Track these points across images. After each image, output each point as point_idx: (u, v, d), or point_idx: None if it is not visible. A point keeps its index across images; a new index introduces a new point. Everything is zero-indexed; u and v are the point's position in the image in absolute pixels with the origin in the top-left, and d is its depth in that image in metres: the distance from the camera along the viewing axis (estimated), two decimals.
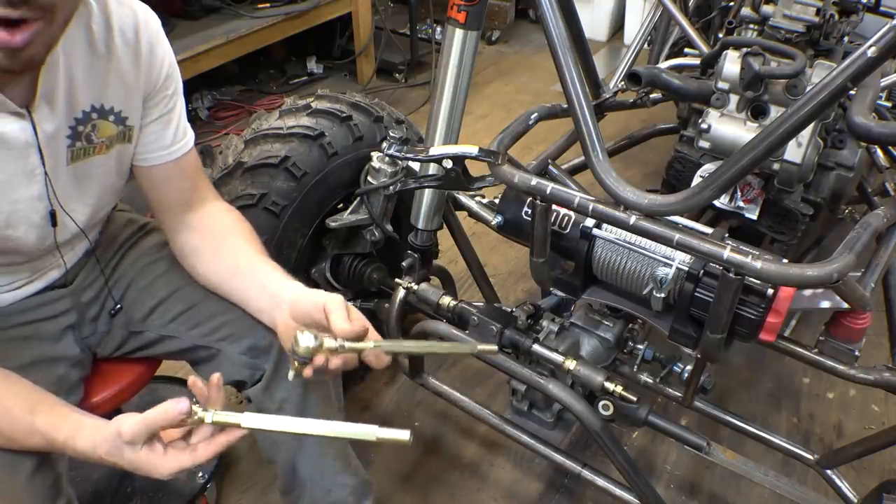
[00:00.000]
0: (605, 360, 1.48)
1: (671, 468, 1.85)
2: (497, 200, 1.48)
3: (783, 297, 1.14)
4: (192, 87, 3.37)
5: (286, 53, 3.85)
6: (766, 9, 1.77)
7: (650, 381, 1.51)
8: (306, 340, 0.97)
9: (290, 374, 1.00)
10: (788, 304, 1.14)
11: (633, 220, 1.13)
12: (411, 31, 3.81)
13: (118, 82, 1.07)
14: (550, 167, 1.72)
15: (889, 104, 1.80)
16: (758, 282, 1.13)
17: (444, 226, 1.64)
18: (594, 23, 4.38)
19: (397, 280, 1.56)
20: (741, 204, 1.55)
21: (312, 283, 1.72)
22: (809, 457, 1.47)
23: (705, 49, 1.92)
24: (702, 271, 1.20)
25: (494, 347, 1.13)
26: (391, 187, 1.50)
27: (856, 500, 1.41)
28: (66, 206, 1.09)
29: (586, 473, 1.46)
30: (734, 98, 1.52)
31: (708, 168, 1.56)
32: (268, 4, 3.21)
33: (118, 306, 1.27)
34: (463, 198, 1.62)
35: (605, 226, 1.30)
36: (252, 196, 1.49)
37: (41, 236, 1.09)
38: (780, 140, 1.02)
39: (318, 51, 3.89)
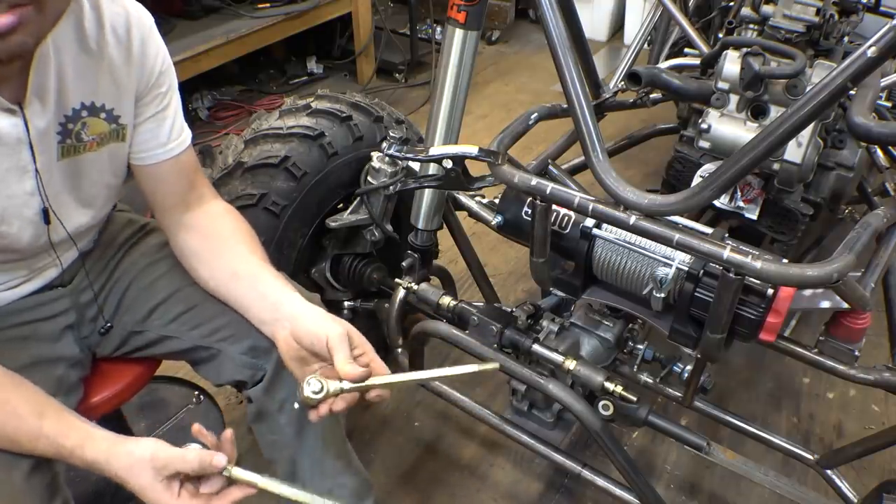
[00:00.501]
0: (605, 360, 1.48)
1: (671, 468, 1.85)
2: (497, 200, 1.48)
3: (783, 297, 1.14)
4: (192, 87, 3.37)
5: (286, 53, 3.85)
6: (766, 9, 1.77)
7: (650, 381, 1.51)
8: (312, 389, 0.99)
9: (297, 405, 1.03)
10: (788, 304, 1.14)
11: (633, 220, 1.13)
12: (411, 31, 3.81)
13: (110, 80, 1.07)
14: (550, 167, 1.72)
15: (889, 104, 1.80)
16: (758, 282, 1.13)
17: (444, 226, 1.64)
18: (594, 23, 4.38)
19: (397, 280, 1.56)
20: (741, 204, 1.55)
21: (312, 282, 1.72)
22: (809, 457, 1.47)
23: (705, 49, 1.92)
24: (702, 271, 1.20)
25: (496, 365, 1.15)
26: (391, 187, 1.50)
27: (856, 500, 1.41)
28: (60, 202, 1.09)
29: (586, 473, 1.46)
30: (734, 98, 1.52)
31: (708, 168, 1.56)
32: (268, 4, 3.21)
33: (108, 324, 1.27)
34: (463, 198, 1.62)
35: (605, 226, 1.29)
36: (252, 196, 1.49)
37: (36, 233, 1.09)
38: (780, 140, 1.02)
39: (318, 51, 3.89)
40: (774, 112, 1.49)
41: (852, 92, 1.05)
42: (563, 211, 1.32)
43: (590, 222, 1.30)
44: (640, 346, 1.49)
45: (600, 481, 1.45)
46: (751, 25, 1.83)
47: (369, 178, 1.55)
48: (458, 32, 1.38)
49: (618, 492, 1.43)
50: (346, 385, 1.00)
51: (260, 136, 1.56)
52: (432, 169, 1.41)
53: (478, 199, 1.62)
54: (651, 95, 1.99)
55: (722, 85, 1.52)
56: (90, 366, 1.28)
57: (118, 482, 0.95)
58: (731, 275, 1.07)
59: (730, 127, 1.52)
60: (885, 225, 1.39)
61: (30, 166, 1.02)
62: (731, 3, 2.15)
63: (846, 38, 1.85)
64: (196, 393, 1.84)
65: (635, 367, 1.51)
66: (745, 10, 1.83)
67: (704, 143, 1.55)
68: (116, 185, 1.20)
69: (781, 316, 1.15)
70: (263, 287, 1.15)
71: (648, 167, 2.96)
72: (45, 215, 1.08)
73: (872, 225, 1.32)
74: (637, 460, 1.83)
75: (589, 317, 1.50)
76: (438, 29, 3.85)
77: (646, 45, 2.38)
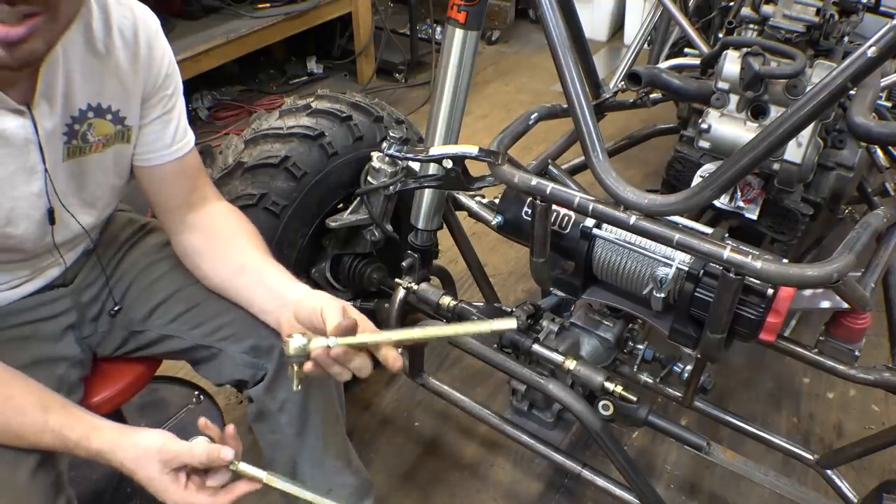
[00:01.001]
0: (605, 360, 1.48)
1: (671, 468, 1.85)
2: (497, 200, 1.48)
3: (783, 297, 1.14)
4: (192, 87, 3.37)
5: (286, 53, 3.85)
6: (766, 9, 1.77)
7: (650, 381, 1.51)
8: (296, 341, 0.97)
9: (294, 384, 1.00)
10: (788, 304, 1.14)
11: (633, 220, 1.13)
12: (411, 31, 3.81)
13: (116, 82, 1.07)
14: (550, 167, 1.72)
15: (889, 104, 1.80)
16: (758, 282, 1.13)
17: (444, 226, 1.64)
18: (594, 23, 4.38)
19: (397, 280, 1.56)
20: (741, 204, 1.55)
21: (312, 283, 1.72)
22: (809, 457, 1.47)
23: (705, 49, 1.92)
24: (702, 271, 1.20)
25: (513, 323, 1.01)
26: (391, 187, 1.50)
27: (856, 500, 1.41)
28: (65, 203, 1.10)
29: (586, 473, 1.46)
30: (734, 98, 1.52)
31: (708, 168, 1.56)
32: (268, 4, 3.21)
33: (118, 307, 1.27)
34: (463, 198, 1.62)
35: (605, 226, 1.30)
36: (252, 196, 1.49)
37: (41, 234, 1.09)
38: (780, 140, 1.02)
39: (318, 51, 3.89)
40: (774, 112, 1.49)
41: (852, 92, 1.05)
42: (563, 211, 1.32)
43: (590, 222, 1.30)
44: (640, 346, 1.49)
45: (600, 481, 1.45)
46: (751, 25, 1.83)
47: (369, 178, 1.55)
48: (458, 32, 1.38)
49: (618, 492, 1.43)
50: (333, 341, 0.97)
51: (260, 136, 1.56)
52: (432, 169, 1.41)
53: (478, 199, 1.62)
54: (651, 95, 1.99)
55: (722, 85, 1.52)
56: (91, 365, 1.28)
57: (124, 472, 0.96)
58: (731, 275, 1.07)
59: (730, 127, 1.52)
60: (885, 225, 1.39)
61: (38, 167, 1.03)
62: (731, 3, 2.15)
63: (846, 38, 1.85)
64: (196, 393, 1.84)
65: (635, 367, 1.51)
66: (745, 10, 1.83)
67: (704, 143, 1.55)
68: (120, 187, 1.20)
69: (781, 316, 1.15)
70: (269, 279, 1.15)
71: (648, 167, 2.96)
72: (51, 216, 1.08)
73: (872, 225, 1.32)
74: (637, 460, 1.84)
75: (589, 317, 1.50)
76: (438, 29, 3.85)
77: (646, 45, 2.38)
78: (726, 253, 1.06)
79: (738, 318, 1.17)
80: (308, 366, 0.99)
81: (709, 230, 1.19)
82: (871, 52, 0.89)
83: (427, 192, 1.53)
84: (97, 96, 1.06)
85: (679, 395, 1.49)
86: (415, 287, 1.53)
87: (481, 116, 3.52)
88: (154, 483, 0.94)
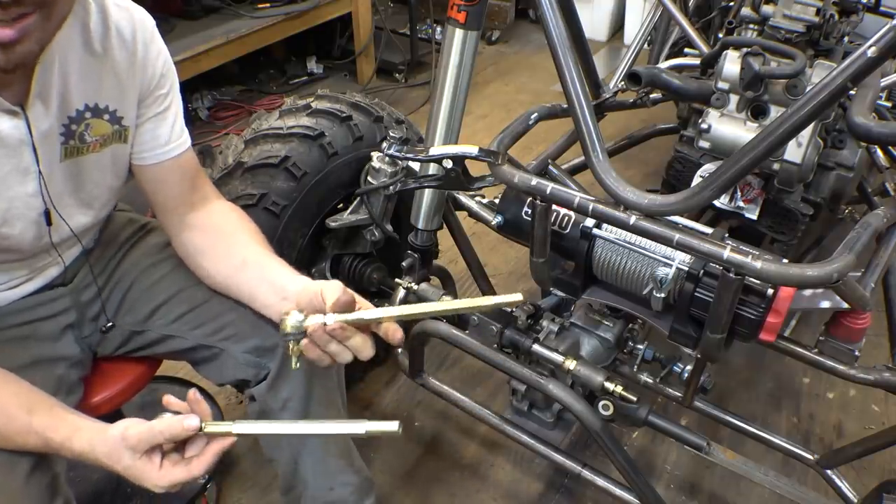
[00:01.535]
0: (605, 360, 1.48)
1: (671, 468, 1.85)
2: (497, 200, 1.48)
3: (783, 297, 1.14)
4: (192, 87, 3.38)
5: (286, 53, 3.85)
6: (766, 9, 1.77)
7: (650, 381, 1.51)
8: (292, 317, 0.96)
9: (293, 363, 0.99)
10: (788, 304, 1.14)
11: (633, 220, 1.13)
12: (411, 31, 3.81)
13: (114, 82, 1.08)
14: (550, 167, 1.72)
15: (889, 104, 1.80)
16: (758, 282, 1.13)
17: (444, 226, 1.64)
18: (594, 23, 4.38)
19: (397, 280, 1.56)
20: (741, 204, 1.55)
21: None
22: (809, 457, 1.47)
23: (705, 49, 1.92)
24: (702, 271, 1.20)
25: (518, 297, 0.98)
26: (391, 187, 1.50)
27: (856, 500, 1.41)
28: (62, 203, 1.10)
29: (586, 473, 1.46)
30: (734, 98, 1.52)
31: (708, 168, 1.56)
32: (268, 4, 3.21)
33: (110, 324, 1.27)
34: (463, 198, 1.62)
35: (605, 226, 1.30)
36: (252, 196, 1.49)
37: (38, 234, 1.09)
38: (780, 140, 1.02)
39: (318, 51, 3.89)
40: (774, 112, 1.49)
41: (852, 92, 1.05)
42: (563, 211, 1.32)
43: (590, 222, 1.30)
44: (640, 346, 1.49)
45: (600, 481, 1.45)
46: (751, 25, 1.83)
47: (369, 178, 1.55)
48: (458, 32, 1.38)
49: (618, 492, 1.43)
50: (330, 318, 0.96)
51: (260, 136, 1.56)
52: (432, 169, 1.41)
53: (478, 199, 1.62)
54: (651, 95, 1.99)
55: (722, 85, 1.52)
56: (91, 365, 1.28)
57: (108, 469, 0.95)
58: (731, 275, 1.07)
59: (730, 127, 1.52)
60: (885, 225, 1.39)
61: (32, 168, 1.03)
62: (731, 3, 2.15)
63: (846, 38, 1.85)
64: (190, 389, 1.84)
65: (635, 367, 1.51)
66: (745, 10, 1.83)
67: (704, 143, 1.55)
68: (118, 187, 1.20)
69: (781, 316, 1.15)
70: (271, 274, 1.15)
71: (648, 167, 2.96)
72: (47, 217, 1.08)
73: (872, 225, 1.32)
74: (637, 460, 1.84)
75: (589, 317, 1.50)
76: (438, 29, 3.85)
77: (646, 45, 2.38)
78: (726, 253, 1.06)
79: (738, 318, 1.17)
80: (305, 342, 0.97)
81: (709, 230, 1.19)
82: (871, 52, 0.89)
83: (427, 192, 1.53)
84: (94, 96, 1.06)
85: (679, 395, 1.49)
86: (415, 287, 1.53)
87: (481, 116, 3.52)
88: (131, 471, 0.93)
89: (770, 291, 1.15)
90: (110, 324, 1.27)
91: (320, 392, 1.26)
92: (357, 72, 3.78)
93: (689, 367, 1.42)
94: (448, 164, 1.32)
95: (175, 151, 1.19)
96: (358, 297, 1.02)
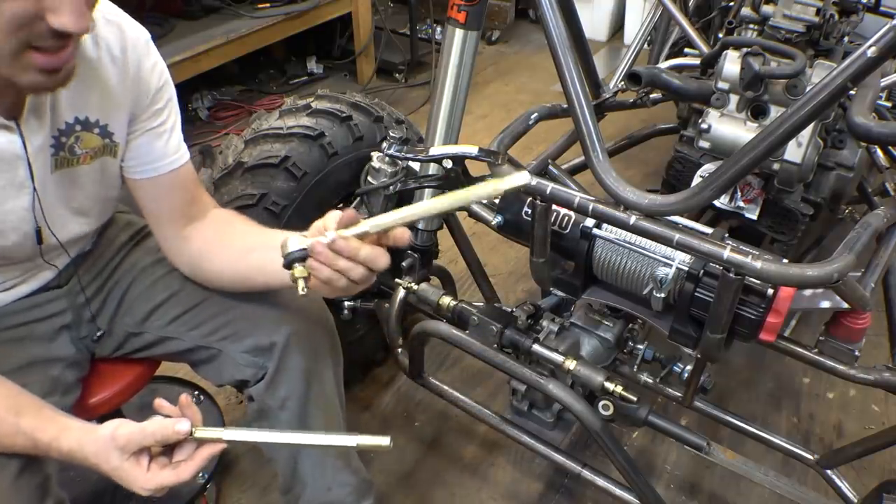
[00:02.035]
0: (605, 360, 1.48)
1: (671, 468, 1.85)
2: (497, 200, 1.48)
3: (783, 297, 1.14)
4: (192, 87, 3.37)
5: (286, 53, 3.85)
6: (766, 9, 1.76)
7: (650, 381, 1.51)
8: (292, 239, 0.92)
9: (300, 287, 0.91)
10: (788, 304, 1.14)
11: (633, 220, 1.13)
12: (411, 31, 3.81)
13: (104, 97, 1.07)
14: (550, 167, 1.72)
15: (889, 104, 1.80)
16: (758, 282, 1.13)
17: (444, 226, 1.64)
18: (594, 23, 4.38)
19: (397, 280, 1.56)
20: (741, 204, 1.55)
21: None
22: (809, 457, 1.47)
23: (705, 49, 1.92)
24: (702, 271, 1.20)
25: (525, 177, 0.90)
26: (391, 187, 1.50)
27: (856, 500, 1.41)
28: (55, 214, 1.09)
29: (586, 473, 1.46)
30: (734, 98, 1.52)
31: (708, 168, 1.56)
32: (268, 4, 3.21)
33: (100, 331, 1.26)
34: None
35: (605, 226, 1.29)
36: (252, 196, 1.49)
37: (31, 245, 1.10)
38: (780, 140, 1.02)
39: (318, 51, 3.89)
40: (774, 112, 1.49)
41: (852, 92, 1.05)
42: (563, 211, 1.32)
43: (590, 222, 1.30)
44: (640, 346, 1.49)
45: (600, 481, 1.45)
46: (751, 25, 1.83)
47: (369, 178, 1.55)
48: (458, 32, 1.38)
49: (618, 492, 1.43)
50: (331, 234, 0.91)
51: (260, 136, 1.56)
52: (432, 169, 1.41)
53: None
54: (651, 95, 1.99)
55: (722, 85, 1.52)
56: (88, 366, 1.28)
57: (95, 469, 0.95)
58: (731, 275, 1.07)
59: (730, 127, 1.52)
60: (885, 225, 1.39)
61: (27, 182, 1.03)
62: (731, 3, 2.15)
63: (846, 38, 1.85)
64: (196, 393, 1.84)
65: (635, 367, 1.51)
66: (745, 10, 1.83)
67: (704, 143, 1.55)
68: (112, 198, 1.20)
69: (781, 316, 1.15)
70: (277, 241, 1.11)
71: (648, 167, 2.95)
72: (38, 235, 1.08)
73: (872, 225, 1.32)
74: (637, 460, 1.84)
75: (589, 317, 1.50)
76: (438, 29, 3.85)
77: (646, 45, 2.38)
78: (726, 253, 1.06)
79: (738, 318, 1.17)
80: (311, 262, 0.92)
81: (709, 230, 1.19)
82: (871, 52, 0.89)
83: (427, 192, 1.53)
84: (84, 110, 1.06)
85: (679, 395, 1.49)
86: (415, 287, 1.52)
87: (481, 116, 3.52)
88: (118, 472, 0.93)
89: (770, 291, 1.15)
90: (100, 332, 1.27)
91: (318, 392, 1.26)
92: (357, 72, 3.78)
93: (689, 367, 1.42)
94: (448, 164, 1.32)
95: (172, 166, 1.17)
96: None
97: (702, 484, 1.81)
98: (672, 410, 1.95)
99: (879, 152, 1.77)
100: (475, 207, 1.60)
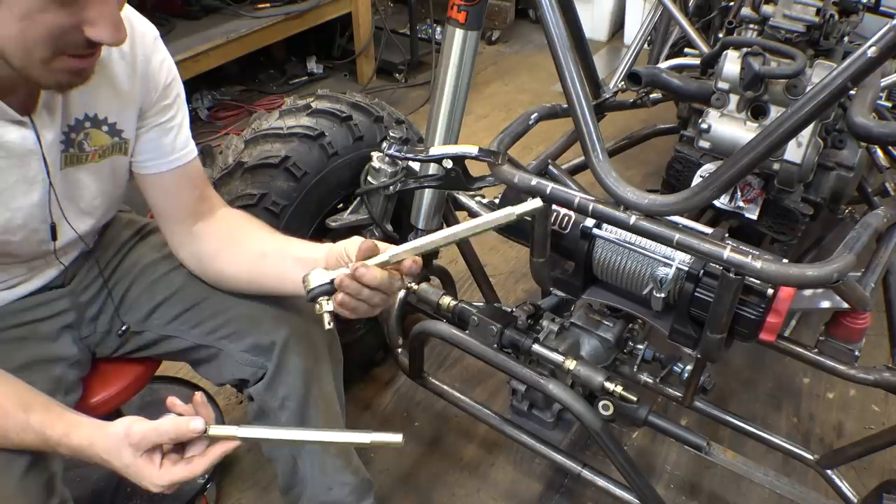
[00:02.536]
0: (605, 360, 1.48)
1: (671, 468, 1.85)
2: (497, 200, 1.48)
3: (783, 297, 1.14)
4: (192, 87, 3.37)
5: (286, 53, 3.85)
6: (766, 9, 1.77)
7: (650, 381, 1.51)
8: (315, 274, 0.96)
9: (326, 322, 0.96)
10: (788, 304, 1.14)
11: (633, 220, 1.13)
12: (411, 31, 3.81)
13: (112, 94, 1.07)
14: (550, 167, 1.72)
15: (889, 104, 1.80)
16: (758, 282, 1.13)
17: (444, 226, 1.63)
18: (594, 23, 4.38)
19: None
20: (741, 204, 1.55)
21: None
22: (809, 457, 1.47)
23: (705, 49, 1.92)
24: (702, 271, 1.20)
25: (538, 203, 0.96)
26: (391, 187, 1.50)
27: (856, 500, 1.41)
28: (62, 210, 1.09)
29: (586, 473, 1.46)
30: (734, 98, 1.52)
31: (708, 168, 1.56)
32: (268, 4, 3.21)
33: (125, 326, 1.26)
34: (463, 198, 1.62)
35: (605, 226, 1.30)
36: (252, 196, 1.49)
37: (39, 241, 1.10)
38: (780, 140, 1.02)
39: (318, 51, 3.89)
40: (774, 112, 1.49)
41: (852, 92, 1.05)
42: (563, 211, 1.32)
43: (590, 222, 1.30)
44: (640, 346, 1.49)
45: (600, 481, 1.45)
46: (751, 25, 1.83)
47: (369, 178, 1.55)
48: (458, 32, 1.38)
49: (618, 492, 1.43)
50: (352, 265, 0.96)
51: (260, 136, 1.56)
52: (432, 169, 1.41)
53: (478, 199, 1.62)
54: (651, 95, 1.99)
55: (722, 85, 1.52)
56: (89, 366, 1.28)
57: (105, 466, 0.95)
58: (731, 275, 1.07)
59: (730, 127, 1.52)
60: (885, 225, 1.39)
61: (38, 177, 1.03)
62: (731, 3, 2.15)
63: (846, 38, 1.85)
64: (196, 393, 1.84)
65: (635, 367, 1.51)
66: (745, 10, 1.83)
67: (704, 143, 1.55)
68: (118, 196, 1.20)
69: (781, 316, 1.15)
70: (297, 252, 1.13)
71: (648, 167, 2.96)
72: (53, 231, 1.09)
73: (872, 225, 1.32)
74: (637, 460, 1.83)
75: (589, 317, 1.50)
76: (438, 29, 3.85)
77: (646, 45, 2.38)
78: (726, 253, 1.06)
79: (738, 318, 1.17)
80: (339, 297, 0.96)
81: (709, 230, 1.19)
82: (871, 52, 0.89)
83: (427, 192, 1.53)
84: (93, 107, 1.06)
85: (679, 395, 1.49)
86: (415, 287, 1.53)
87: (481, 116, 3.52)
88: (130, 469, 0.94)
89: (770, 291, 1.15)
90: (108, 325, 1.27)
91: (318, 391, 1.26)
92: (357, 72, 3.78)
93: (689, 367, 1.42)
94: (448, 164, 1.32)
95: (180, 161, 1.18)
96: (379, 243, 1.01)
97: (702, 484, 1.81)
98: (672, 410, 1.95)
99: (879, 152, 1.77)
100: (475, 207, 1.60)
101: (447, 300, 1.47)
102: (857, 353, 1.34)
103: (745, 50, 1.47)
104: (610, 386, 1.28)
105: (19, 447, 0.98)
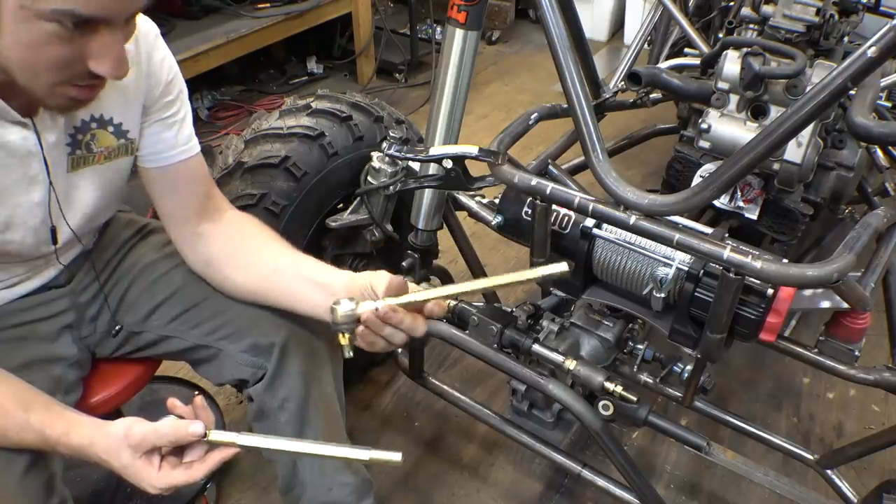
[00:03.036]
0: (605, 360, 1.48)
1: (671, 468, 1.85)
2: (497, 200, 1.48)
3: (783, 298, 1.14)
4: (192, 87, 3.34)
5: (286, 53, 3.85)
6: (766, 9, 1.77)
7: (650, 381, 1.51)
8: (343, 306, 0.98)
9: (346, 352, 1.00)
10: (788, 304, 1.14)
11: (633, 220, 1.13)
12: (411, 31, 3.81)
13: (117, 94, 1.07)
14: (550, 167, 1.72)
15: (889, 104, 1.80)
16: (758, 282, 1.13)
17: (444, 226, 1.64)
18: (594, 23, 4.38)
19: None
20: (741, 204, 1.55)
21: None
22: (809, 457, 1.47)
23: (705, 49, 1.92)
24: (702, 271, 1.20)
25: (563, 267, 0.97)
26: (391, 187, 1.50)
27: (856, 500, 1.41)
28: (64, 210, 1.09)
29: (586, 473, 1.46)
30: (734, 98, 1.52)
31: (708, 168, 1.56)
32: (268, 4, 3.21)
33: (119, 326, 1.26)
34: (463, 198, 1.62)
35: (605, 226, 1.30)
36: (252, 196, 1.49)
37: (39, 241, 1.10)
38: (780, 140, 1.02)
39: (318, 51, 3.89)
40: (774, 112, 1.49)
41: (852, 92, 1.05)
42: (563, 211, 1.32)
43: (590, 222, 1.30)
44: (640, 346, 1.49)
45: (600, 481, 1.45)
46: (751, 25, 1.83)
47: (369, 178, 1.55)
48: (458, 32, 1.38)
49: (618, 492, 1.43)
50: (381, 304, 0.98)
51: (260, 136, 1.56)
52: (432, 169, 1.41)
53: (478, 199, 1.62)
54: (651, 95, 1.99)
55: (722, 85, 1.52)
56: (89, 366, 1.28)
57: (104, 465, 0.95)
58: (731, 275, 1.07)
59: (730, 127, 1.52)
60: (885, 225, 1.39)
61: (39, 177, 1.03)
62: (731, 3, 2.15)
63: (846, 38, 1.85)
64: (196, 393, 1.84)
65: (635, 367, 1.51)
66: (745, 10, 1.83)
67: (704, 143, 1.55)
68: (119, 197, 1.21)
69: (781, 316, 1.15)
70: (312, 273, 1.14)
71: (648, 167, 2.96)
72: (53, 231, 1.09)
73: (872, 225, 1.32)
74: (637, 460, 1.83)
75: (589, 317, 1.50)
76: (438, 29, 3.85)
77: (646, 45, 2.38)
78: (726, 253, 1.06)
79: (738, 318, 1.17)
80: (360, 329, 0.99)
81: (709, 230, 1.19)
82: (871, 52, 0.89)
83: (427, 192, 1.53)
84: (99, 108, 1.07)
85: (679, 395, 1.49)
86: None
87: (481, 116, 3.52)
88: (128, 470, 0.94)
89: (770, 291, 1.15)
90: (108, 325, 1.27)
91: (318, 392, 1.26)
92: (357, 72, 3.78)
93: (689, 367, 1.42)
94: (448, 164, 1.32)
95: (182, 156, 1.18)
96: (412, 285, 1.04)
97: (702, 484, 1.81)
98: (672, 410, 1.95)
99: (879, 152, 1.77)
100: (475, 207, 1.60)
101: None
102: (857, 353, 1.34)
103: (745, 50, 1.47)
104: (610, 386, 1.28)
105: (19, 446, 0.97)
